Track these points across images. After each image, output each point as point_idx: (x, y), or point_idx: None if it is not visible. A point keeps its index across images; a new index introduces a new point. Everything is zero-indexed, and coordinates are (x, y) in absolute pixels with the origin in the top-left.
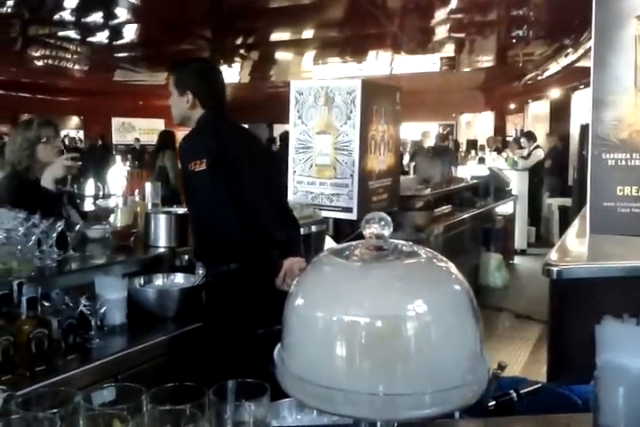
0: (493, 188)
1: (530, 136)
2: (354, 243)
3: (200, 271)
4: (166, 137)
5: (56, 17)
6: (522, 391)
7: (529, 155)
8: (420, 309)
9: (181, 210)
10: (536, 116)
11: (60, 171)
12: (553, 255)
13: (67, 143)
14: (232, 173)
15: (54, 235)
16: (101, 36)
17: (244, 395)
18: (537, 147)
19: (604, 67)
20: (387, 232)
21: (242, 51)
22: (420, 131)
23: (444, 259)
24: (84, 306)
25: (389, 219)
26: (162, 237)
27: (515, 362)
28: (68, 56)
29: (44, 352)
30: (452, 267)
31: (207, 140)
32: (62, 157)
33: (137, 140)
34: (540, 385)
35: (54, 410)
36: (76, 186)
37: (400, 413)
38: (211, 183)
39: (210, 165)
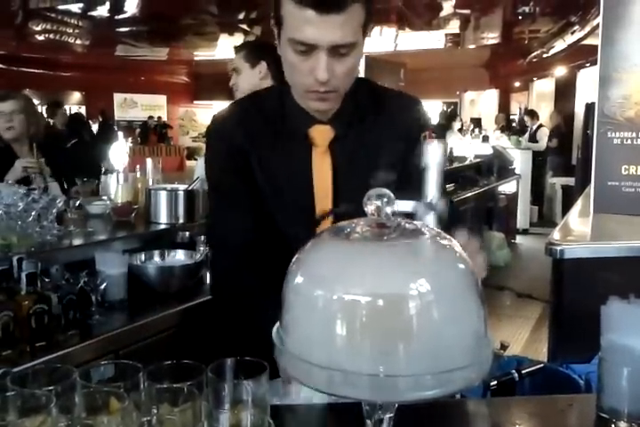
0: (497, 166)
1: (532, 114)
2: (355, 220)
3: (201, 248)
4: None
5: None
6: (523, 371)
7: (534, 133)
8: (423, 288)
9: (183, 186)
10: (541, 94)
11: (19, 173)
12: (556, 235)
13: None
14: None
15: (54, 210)
16: (103, 10)
17: (242, 373)
18: (540, 126)
19: (612, 42)
20: (389, 209)
21: (245, 26)
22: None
23: (449, 237)
24: (84, 282)
25: (392, 195)
26: (163, 213)
27: (515, 341)
28: (70, 30)
29: (45, 328)
30: (457, 245)
31: None
32: (22, 160)
33: (151, 117)
34: (542, 365)
35: (50, 387)
36: None
37: (401, 394)
38: None
39: None
